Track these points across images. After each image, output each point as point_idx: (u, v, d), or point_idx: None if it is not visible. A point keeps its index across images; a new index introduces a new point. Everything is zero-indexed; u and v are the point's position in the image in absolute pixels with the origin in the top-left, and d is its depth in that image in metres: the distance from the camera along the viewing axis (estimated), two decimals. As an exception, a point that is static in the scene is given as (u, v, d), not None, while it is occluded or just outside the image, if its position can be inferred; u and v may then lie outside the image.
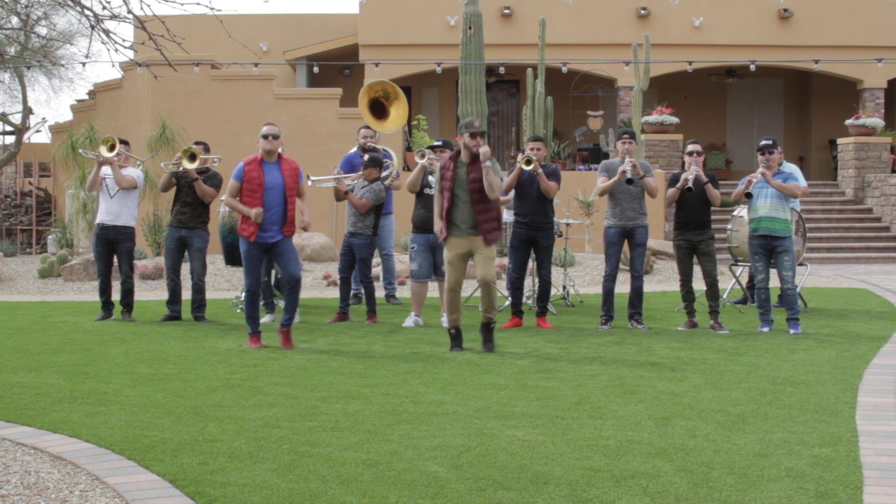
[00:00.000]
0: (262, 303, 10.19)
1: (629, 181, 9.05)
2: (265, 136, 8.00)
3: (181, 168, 9.73)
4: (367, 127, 11.41)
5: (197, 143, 10.03)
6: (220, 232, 10.54)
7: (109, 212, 9.89)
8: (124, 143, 10.21)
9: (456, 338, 7.91)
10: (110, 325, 9.61)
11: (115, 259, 10.04)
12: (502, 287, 11.80)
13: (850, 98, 21.57)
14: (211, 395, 6.10)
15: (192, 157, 9.72)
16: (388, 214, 11.05)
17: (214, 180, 9.95)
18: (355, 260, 9.79)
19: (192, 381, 6.53)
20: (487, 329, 7.85)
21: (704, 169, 9.29)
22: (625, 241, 9.35)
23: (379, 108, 11.92)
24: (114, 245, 9.93)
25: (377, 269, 12.93)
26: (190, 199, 9.88)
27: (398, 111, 11.88)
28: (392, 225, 11.22)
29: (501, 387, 6.31)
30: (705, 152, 9.35)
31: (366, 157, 9.84)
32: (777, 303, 9.98)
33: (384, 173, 10.71)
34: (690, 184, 8.94)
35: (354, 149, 11.25)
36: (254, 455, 4.65)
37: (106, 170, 9.85)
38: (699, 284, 9.40)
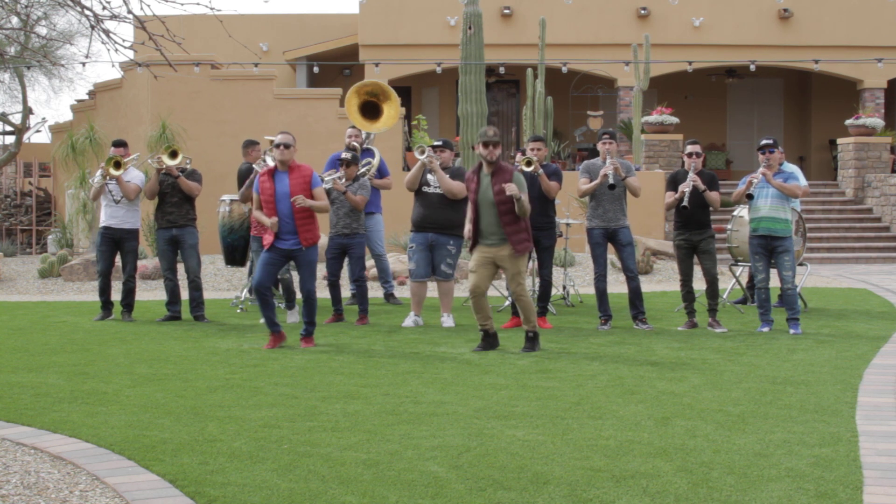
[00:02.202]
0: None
1: (611, 186, 9.03)
2: (276, 146, 8.03)
3: (163, 165, 9.77)
4: (353, 126, 11.39)
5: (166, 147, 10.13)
6: (220, 232, 10.54)
7: (114, 216, 9.91)
8: (124, 144, 10.21)
9: (487, 339, 7.89)
10: (110, 325, 9.61)
11: (119, 259, 10.06)
12: (503, 287, 11.80)
13: (850, 98, 21.57)
14: (211, 395, 6.10)
15: (174, 154, 9.80)
16: (373, 214, 10.99)
17: (195, 176, 10.04)
18: (343, 261, 9.76)
19: (192, 381, 6.54)
20: (528, 338, 7.86)
21: (705, 168, 9.29)
22: (608, 243, 9.32)
23: (372, 109, 11.88)
24: (119, 245, 9.95)
25: (372, 271, 12.93)
26: (176, 198, 9.91)
27: (390, 111, 11.85)
28: (378, 225, 11.16)
29: (501, 387, 6.31)
30: (705, 152, 9.34)
31: (345, 154, 9.76)
32: (777, 303, 9.98)
33: (363, 169, 10.71)
34: (685, 202, 8.95)
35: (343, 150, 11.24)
36: (254, 455, 4.66)
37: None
38: (700, 285, 9.40)
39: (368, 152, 11.06)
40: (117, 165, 9.77)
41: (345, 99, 12.00)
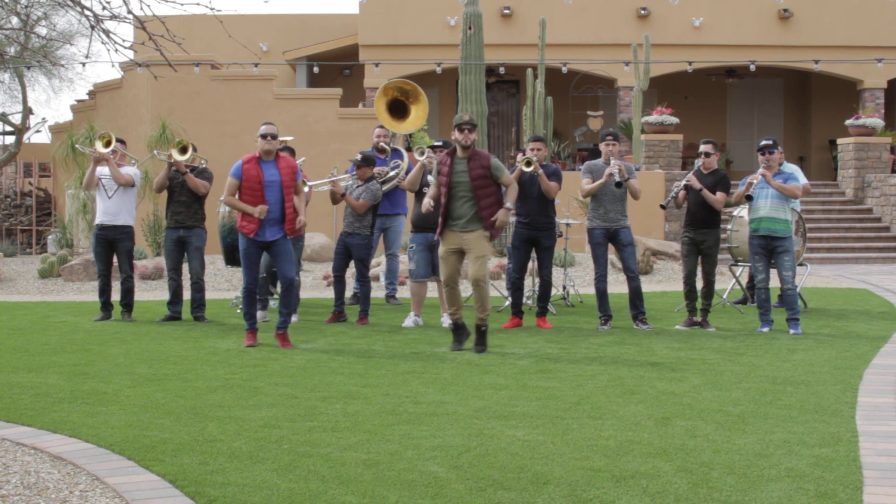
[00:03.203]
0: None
1: (618, 184, 9.06)
2: (263, 136, 8.03)
3: (171, 159, 9.76)
4: (382, 126, 11.34)
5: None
6: (219, 232, 10.53)
7: (108, 212, 9.88)
8: (121, 141, 10.20)
9: (457, 332, 7.90)
10: (110, 325, 9.61)
11: (116, 259, 10.04)
12: (503, 287, 11.80)
13: (850, 98, 21.57)
14: (211, 395, 6.10)
15: (184, 150, 9.78)
16: (399, 215, 11.00)
17: (205, 174, 9.99)
18: (349, 259, 9.79)
19: (192, 381, 6.54)
20: (479, 331, 7.82)
21: (719, 168, 9.34)
22: (609, 243, 9.34)
23: (400, 108, 11.82)
24: (113, 244, 9.92)
25: (376, 270, 12.92)
26: (184, 197, 9.88)
27: (418, 112, 11.78)
28: (402, 226, 11.13)
29: (501, 387, 6.31)
30: (717, 152, 9.39)
31: (358, 156, 9.80)
32: (777, 303, 9.98)
33: (392, 173, 10.69)
34: (664, 202, 9.20)
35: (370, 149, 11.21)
36: (254, 455, 4.65)
37: (103, 170, 9.85)
38: (699, 284, 9.40)
39: (397, 153, 11.03)
40: (108, 144, 9.75)
41: (375, 96, 11.98)
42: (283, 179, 8.02)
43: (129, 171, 9.95)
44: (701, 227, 9.12)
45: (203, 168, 10.07)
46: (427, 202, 7.99)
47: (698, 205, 9.10)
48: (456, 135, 7.86)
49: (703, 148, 9.26)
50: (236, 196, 8.05)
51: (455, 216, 7.82)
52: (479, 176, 7.76)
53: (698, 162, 9.23)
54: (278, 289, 10.78)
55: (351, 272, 11.25)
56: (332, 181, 9.65)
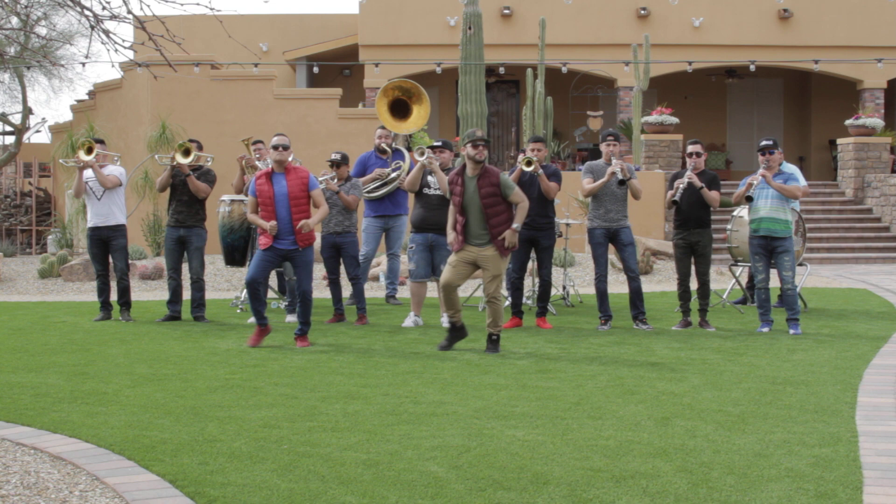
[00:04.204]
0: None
1: (621, 182, 9.05)
2: (274, 147, 8.10)
3: (174, 162, 9.77)
4: (384, 127, 11.33)
5: (191, 141, 10.06)
6: (219, 232, 10.53)
7: (99, 213, 9.89)
8: (100, 142, 10.21)
9: (453, 332, 7.90)
10: (110, 325, 9.61)
11: (111, 258, 10.05)
12: (502, 287, 11.78)
13: (850, 98, 21.57)
14: (211, 395, 6.10)
15: (187, 153, 9.80)
16: (401, 216, 10.99)
17: (208, 176, 9.99)
18: (340, 258, 9.78)
19: (192, 381, 6.54)
20: (490, 340, 7.82)
21: (707, 169, 9.32)
22: (609, 243, 9.33)
23: (401, 108, 11.79)
24: (107, 244, 9.93)
25: (376, 270, 12.92)
26: (186, 197, 9.88)
27: (420, 111, 11.74)
28: (404, 226, 11.11)
29: (501, 387, 6.31)
30: (705, 153, 9.37)
31: (336, 156, 9.76)
32: (777, 303, 9.98)
33: (394, 174, 10.69)
34: (676, 197, 9.08)
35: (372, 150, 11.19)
36: (254, 455, 4.66)
37: (88, 173, 9.86)
38: (695, 284, 9.41)
39: (399, 154, 11.02)
40: (89, 150, 9.77)
41: (375, 96, 11.95)
42: (290, 192, 8.05)
43: (114, 170, 9.96)
44: (695, 227, 9.11)
45: (207, 170, 10.07)
46: (453, 237, 7.92)
47: (692, 205, 9.09)
48: (469, 150, 7.80)
49: (691, 149, 9.24)
50: (258, 213, 8.19)
51: (473, 234, 7.80)
52: (490, 194, 7.72)
53: (691, 164, 9.18)
54: (274, 286, 10.84)
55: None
56: (325, 179, 9.64)
